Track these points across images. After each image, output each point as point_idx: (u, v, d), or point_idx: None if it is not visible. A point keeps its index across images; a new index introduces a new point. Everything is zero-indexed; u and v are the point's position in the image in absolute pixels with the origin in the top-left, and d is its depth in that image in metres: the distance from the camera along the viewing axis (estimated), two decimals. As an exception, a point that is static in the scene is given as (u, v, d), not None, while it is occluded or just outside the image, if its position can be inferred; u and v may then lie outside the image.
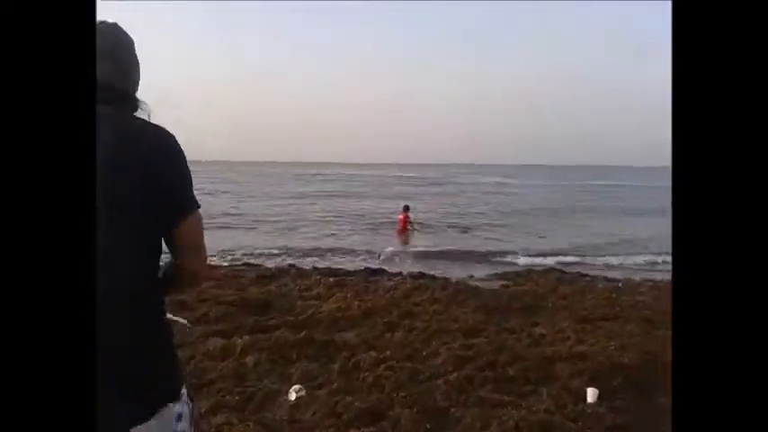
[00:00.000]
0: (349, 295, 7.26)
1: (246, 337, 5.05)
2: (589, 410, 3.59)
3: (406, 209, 17.18)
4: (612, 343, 4.91)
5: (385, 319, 6.00)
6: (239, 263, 10.88)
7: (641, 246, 15.19)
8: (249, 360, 4.55)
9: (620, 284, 8.87)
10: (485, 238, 16.88)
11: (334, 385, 4.04)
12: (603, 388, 3.81)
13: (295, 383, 4.03)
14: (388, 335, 5.46)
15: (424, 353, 4.87)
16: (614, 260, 13.09)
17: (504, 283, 8.94)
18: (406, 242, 15.77)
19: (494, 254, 13.64)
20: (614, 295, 7.57)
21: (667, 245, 13.01)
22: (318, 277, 8.85)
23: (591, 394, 3.47)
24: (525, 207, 26.40)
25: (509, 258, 12.91)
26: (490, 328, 5.78)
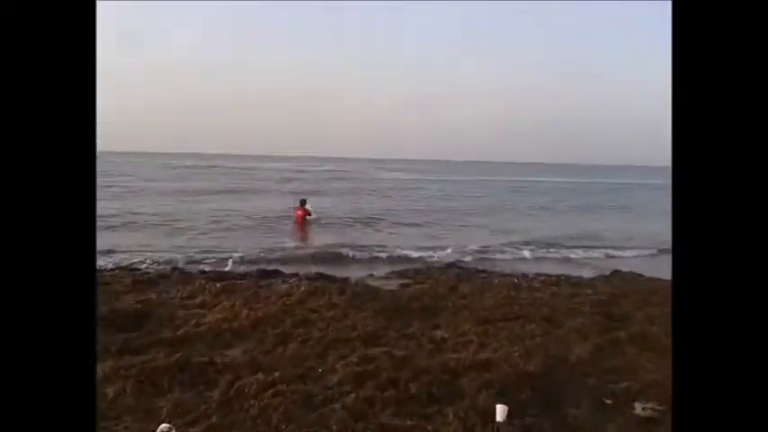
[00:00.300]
0: (237, 303, 6.60)
1: (109, 362, 4.29)
2: None
3: (303, 203, 16.53)
4: (516, 348, 4.72)
5: (276, 330, 5.44)
6: (112, 267, 9.74)
7: (537, 243, 15.72)
8: (110, 391, 3.83)
9: (515, 280, 8.93)
10: (388, 233, 16.66)
11: (212, 419, 3.45)
12: (512, 402, 3.55)
13: (164, 421, 3.38)
14: (279, 349, 4.92)
15: (320, 369, 4.39)
16: (502, 256, 13.40)
17: (404, 281, 8.67)
18: (304, 239, 15.15)
19: (393, 250, 13.45)
20: (513, 293, 7.54)
21: (562, 239, 13.46)
22: (204, 282, 8.03)
23: (500, 412, 3.19)
24: (439, 204, 26.68)
25: (407, 253, 12.73)
26: (390, 335, 5.42)
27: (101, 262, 10.22)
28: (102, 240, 13.31)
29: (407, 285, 8.33)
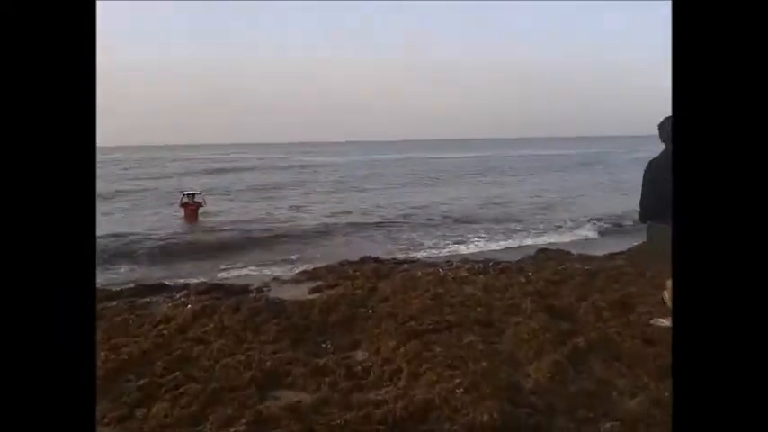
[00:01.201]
0: (99, 337, 5.08)
1: None
2: None
3: (191, 197, 14.72)
4: (457, 378, 3.65)
5: (141, 381, 4.04)
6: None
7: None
8: None
9: (440, 271, 7.96)
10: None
11: None
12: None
13: None
14: (138, 413, 3.55)
15: None
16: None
17: (314, 285, 7.42)
18: (194, 236, 13.45)
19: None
20: (440, 289, 6.52)
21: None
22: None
23: None
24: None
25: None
26: (296, 371, 4.19)
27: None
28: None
29: (318, 290, 7.10)
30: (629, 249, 9.26)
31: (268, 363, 4.31)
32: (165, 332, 5.20)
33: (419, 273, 7.81)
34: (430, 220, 15.10)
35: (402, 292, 6.52)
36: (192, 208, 14.52)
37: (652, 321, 4.83)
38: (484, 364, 3.94)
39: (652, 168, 4.41)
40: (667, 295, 5.19)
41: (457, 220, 14.99)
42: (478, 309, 5.62)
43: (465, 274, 7.64)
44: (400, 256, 10.44)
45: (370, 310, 5.90)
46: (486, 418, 2.99)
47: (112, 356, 4.52)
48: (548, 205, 18.51)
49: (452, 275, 7.53)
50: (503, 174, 34.60)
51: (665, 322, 4.73)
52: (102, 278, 9.25)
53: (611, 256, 8.80)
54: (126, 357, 4.52)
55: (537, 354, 4.12)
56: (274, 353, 4.63)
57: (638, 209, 4.61)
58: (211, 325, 5.34)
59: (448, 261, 9.08)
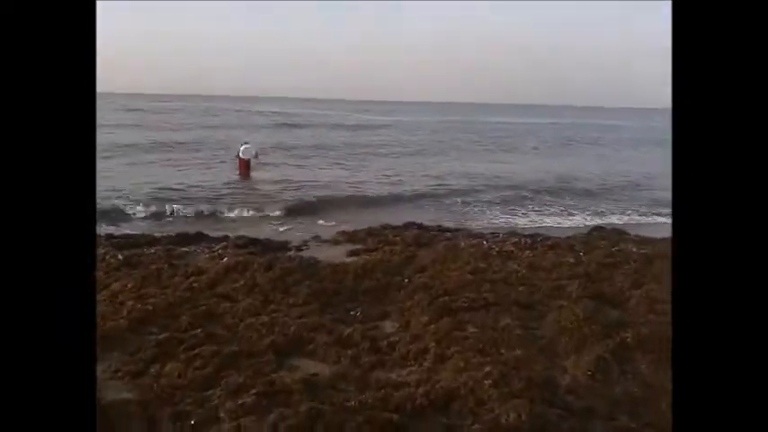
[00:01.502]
0: (130, 285, 5.07)
1: None
2: None
3: (248, 152, 14.70)
4: (487, 366, 3.35)
5: (162, 335, 3.96)
6: None
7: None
8: None
9: (485, 243, 7.57)
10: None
11: None
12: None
13: None
14: (153, 370, 3.45)
15: (192, 421, 2.93)
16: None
17: (352, 248, 7.21)
18: (248, 187, 13.47)
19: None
20: (482, 264, 6.17)
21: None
22: (105, 251, 6.44)
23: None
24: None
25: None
26: (319, 338, 4.00)
27: None
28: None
29: (356, 253, 6.89)
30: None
31: (292, 327, 4.14)
32: (195, 285, 5.12)
33: (462, 243, 7.48)
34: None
35: (441, 262, 6.22)
36: (244, 163, 14.58)
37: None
38: (518, 352, 3.62)
39: None
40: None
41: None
42: (520, 289, 5.26)
43: (510, 248, 7.23)
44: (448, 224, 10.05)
45: (405, 280, 5.64)
46: (512, 417, 2.70)
47: (138, 306, 4.48)
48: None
49: (497, 249, 7.14)
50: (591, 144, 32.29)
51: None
52: (145, 225, 9.37)
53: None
54: (151, 308, 4.45)
55: (578, 346, 3.76)
56: (300, 317, 4.46)
57: None
58: (242, 282, 5.23)
59: (494, 233, 8.65)
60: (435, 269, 5.96)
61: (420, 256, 6.50)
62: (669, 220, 10.93)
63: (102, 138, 17.51)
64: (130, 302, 4.57)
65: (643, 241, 8.01)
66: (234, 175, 14.60)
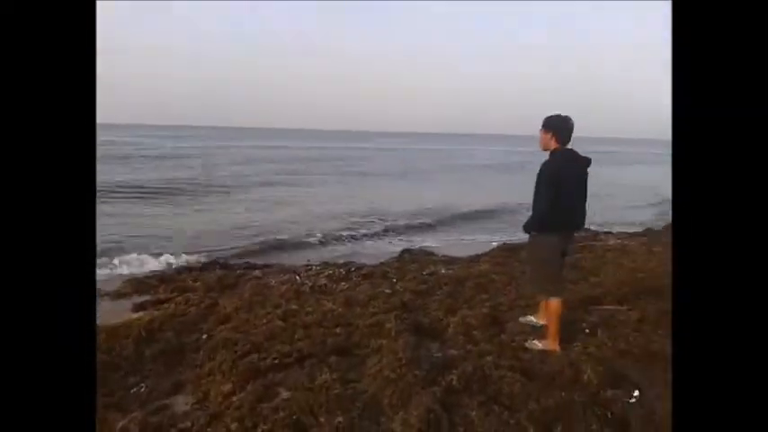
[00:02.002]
0: None
1: None
2: None
3: None
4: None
5: None
6: None
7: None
8: None
9: (298, 278, 6.98)
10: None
11: None
12: None
13: None
14: None
15: None
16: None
17: (141, 299, 6.05)
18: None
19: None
20: (294, 306, 5.55)
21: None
22: None
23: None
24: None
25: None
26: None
27: None
28: None
29: (142, 307, 5.78)
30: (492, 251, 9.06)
31: None
32: None
33: (272, 281, 6.80)
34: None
35: (247, 308, 5.46)
36: None
37: (528, 344, 4.33)
38: (340, 418, 3.07)
39: (548, 172, 3.91)
40: (535, 318, 4.82)
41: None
42: (337, 330, 4.76)
43: (324, 282, 6.76)
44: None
45: (204, 336, 4.78)
46: None
47: None
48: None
49: (310, 284, 6.60)
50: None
51: (539, 345, 4.27)
52: None
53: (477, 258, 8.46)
54: None
55: (404, 398, 3.34)
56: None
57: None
58: None
59: (307, 265, 8.12)
60: (240, 318, 5.19)
61: (222, 304, 5.66)
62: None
63: None
64: None
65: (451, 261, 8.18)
66: None
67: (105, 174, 21.18)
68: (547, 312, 4.35)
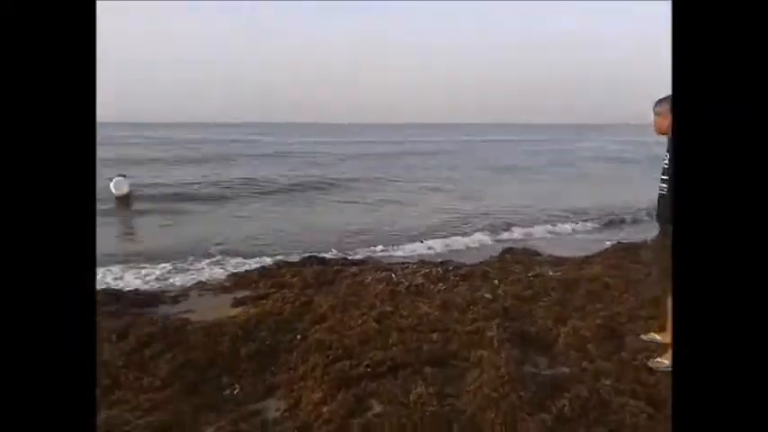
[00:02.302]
0: None
1: None
2: None
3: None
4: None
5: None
6: None
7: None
8: None
9: (393, 276, 6.77)
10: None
11: None
12: None
13: None
14: None
15: None
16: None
17: (240, 294, 6.12)
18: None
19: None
20: (389, 307, 5.32)
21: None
22: None
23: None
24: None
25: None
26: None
27: None
28: None
29: (242, 302, 5.83)
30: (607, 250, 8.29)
31: (139, 423, 3.06)
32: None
33: (369, 278, 6.63)
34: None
35: (342, 308, 5.31)
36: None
37: (651, 363, 3.77)
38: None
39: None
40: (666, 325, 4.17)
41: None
42: (433, 337, 4.46)
43: (421, 281, 6.48)
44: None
45: (298, 337, 4.68)
46: None
47: None
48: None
49: (407, 282, 6.35)
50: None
51: (665, 363, 3.69)
52: None
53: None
54: None
55: (507, 423, 2.97)
56: (153, 408, 3.38)
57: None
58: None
59: (403, 263, 7.88)
60: (335, 318, 5.04)
61: (318, 302, 5.56)
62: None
63: None
64: None
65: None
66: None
67: (259, 170, 22.29)
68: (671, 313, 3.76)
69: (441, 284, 6.35)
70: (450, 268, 7.16)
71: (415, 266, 7.35)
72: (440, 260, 8.12)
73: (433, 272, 6.93)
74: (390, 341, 4.39)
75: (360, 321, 4.91)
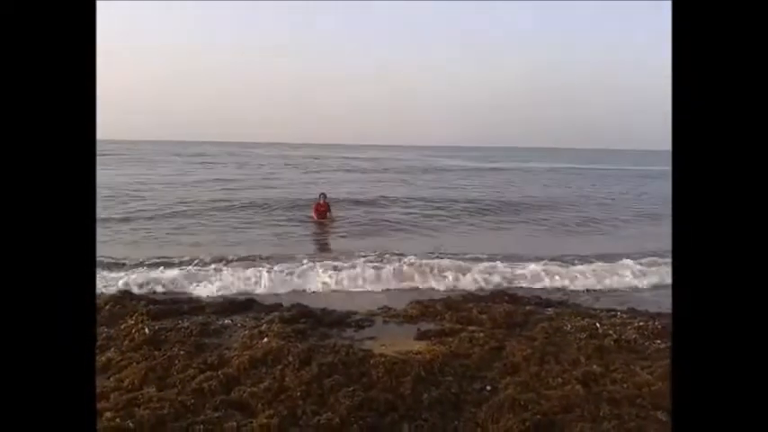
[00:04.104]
0: (112, 380, 3.98)
1: None
2: None
3: (323, 196, 14.02)
4: None
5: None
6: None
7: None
8: None
9: (597, 325, 5.80)
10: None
11: None
12: None
13: None
14: None
15: None
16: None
17: (425, 328, 5.74)
18: (323, 244, 12.47)
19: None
20: (596, 366, 4.46)
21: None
22: (136, 321, 5.54)
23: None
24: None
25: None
26: None
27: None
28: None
29: (425, 336, 5.41)
30: None
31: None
32: (193, 390, 3.91)
33: (568, 325, 5.78)
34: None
35: (538, 360, 4.59)
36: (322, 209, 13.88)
37: None
38: None
39: None
40: None
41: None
42: (657, 415, 3.54)
43: (633, 335, 5.43)
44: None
45: (488, 388, 4.10)
46: None
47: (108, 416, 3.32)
48: None
49: (615, 335, 5.38)
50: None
51: None
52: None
53: None
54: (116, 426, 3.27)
55: None
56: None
57: None
58: (263, 384, 3.94)
59: (610, 309, 6.79)
60: (530, 372, 4.35)
61: (510, 348, 4.91)
62: None
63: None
64: (109, 412, 3.42)
65: None
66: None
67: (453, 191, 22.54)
68: None
69: (659, 342, 5.26)
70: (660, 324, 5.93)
71: (625, 316, 6.26)
72: (654, 311, 6.86)
73: (649, 325, 5.80)
74: (601, 413, 3.59)
75: (560, 380, 4.17)
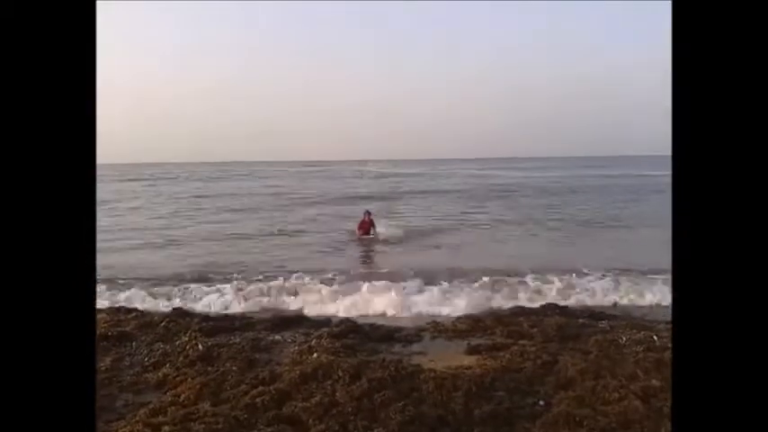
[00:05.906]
0: (168, 395, 4.09)
1: None
2: None
3: (368, 213, 14.10)
4: None
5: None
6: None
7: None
8: None
9: (655, 338, 5.58)
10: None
11: None
12: None
13: None
14: None
15: None
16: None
17: (474, 342, 5.65)
18: (367, 259, 12.52)
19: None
20: (655, 381, 4.28)
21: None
22: (190, 337, 5.69)
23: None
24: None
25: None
26: None
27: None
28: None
29: (476, 350, 5.34)
30: None
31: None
32: (248, 403, 3.97)
33: (623, 338, 5.58)
34: None
35: (594, 374, 4.45)
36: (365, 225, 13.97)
37: None
38: None
39: None
40: None
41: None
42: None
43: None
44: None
45: (541, 403, 4.00)
46: None
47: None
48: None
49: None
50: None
51: None
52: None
53: None
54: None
55: None
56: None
57: None
58: (316, 398, 3.97)
59: (666, 323, 6.53)
60: (585, 386, 4.22)
61: (563, 362, 4.78)
62: None
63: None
64: None
65: None
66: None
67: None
68: None
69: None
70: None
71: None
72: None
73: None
74: (663, 430, 3.43)
75: (617, 395, 4.02)
